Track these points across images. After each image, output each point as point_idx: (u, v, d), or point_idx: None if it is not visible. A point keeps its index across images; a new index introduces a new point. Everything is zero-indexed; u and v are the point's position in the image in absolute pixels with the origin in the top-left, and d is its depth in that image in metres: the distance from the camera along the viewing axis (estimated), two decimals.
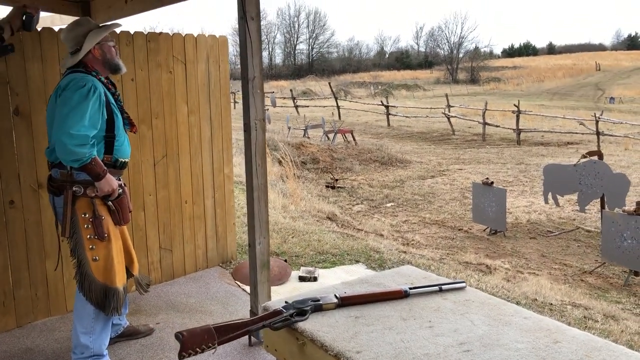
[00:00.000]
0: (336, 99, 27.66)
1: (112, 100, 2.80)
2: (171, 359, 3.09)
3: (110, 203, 2.76)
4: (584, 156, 7.86)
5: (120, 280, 2.81)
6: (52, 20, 4.42)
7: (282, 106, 29.03)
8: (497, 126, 19.17)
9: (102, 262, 2.74)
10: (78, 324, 2.80)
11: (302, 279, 4.35)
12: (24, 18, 2.62)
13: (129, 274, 3.03)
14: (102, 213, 2.74)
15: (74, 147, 2.51)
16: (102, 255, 2.74)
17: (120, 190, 2.80)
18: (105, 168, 2.68)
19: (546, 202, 8.45)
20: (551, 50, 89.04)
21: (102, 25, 2.89)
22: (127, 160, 2.92)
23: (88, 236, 2.71)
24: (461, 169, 13.17)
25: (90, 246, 2.71)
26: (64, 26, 3.62)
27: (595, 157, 7.79)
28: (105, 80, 2.83)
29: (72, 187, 2.68)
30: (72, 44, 2.79)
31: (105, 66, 2.84)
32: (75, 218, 2.70)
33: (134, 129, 3.01)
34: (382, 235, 7.25)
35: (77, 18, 3.92)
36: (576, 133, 17.45)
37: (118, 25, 3.03)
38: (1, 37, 2.52)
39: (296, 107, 28.80)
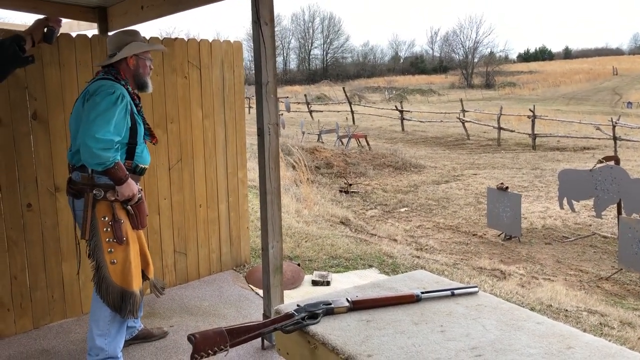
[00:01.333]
0: (350, 104, 27.66)
1: (136, 111, 2.85)
2: None
3: (129, 207, 2.81)
4: (600, 161, 7.79)
5: (137, 283, 2.85)
6: (69, 27, 4.50)
7: (296, 111, 29.11)
8: (512, 131, 19.04)
9: (119, 266, 2.78)
10: (94, 326, 2.84)
11: (315, 283, 4.36)
12: (45, 30, 2.67)
13: (145, 277, 3.08)
14: (121, 217, 2.78)
15: (98, 151, 2.56)
16: (120, 258, 2.78)
17: (140, 195, 2.85)
18: (127, 173, 2.73)
19: (561, 207, 8.37)
20: (567, 54, 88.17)
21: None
22: (146, 166, 2.98)
23: (107, 239, 2.75)
24: (476, 174, 13.09)
25: (109, 249, 2.76)
26: (81, 32, 3.68)
27: (612, 162, 7.71)
28: (132, 91, 2.88)
29: (93, 190, 2.72)
30: (113, 47, 2.88)
31: (134, 79, 2.91)
32: (94, 221, 2.75)
33: (154, 140, 3.06)
34: (395, 240, 7.23)
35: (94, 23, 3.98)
36: (593, 138, 17.25)
37: (164, 49, 3.16)
38: (22, 48, 2.56)
39: (310, 112, 28.85)
